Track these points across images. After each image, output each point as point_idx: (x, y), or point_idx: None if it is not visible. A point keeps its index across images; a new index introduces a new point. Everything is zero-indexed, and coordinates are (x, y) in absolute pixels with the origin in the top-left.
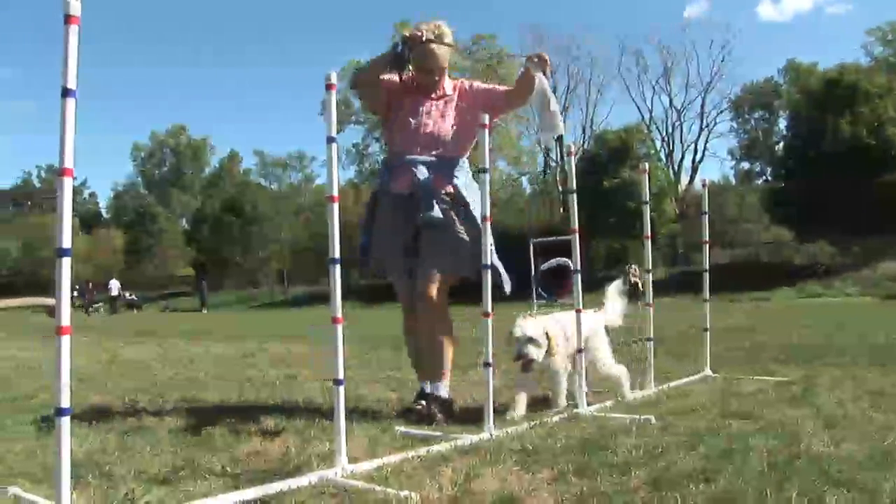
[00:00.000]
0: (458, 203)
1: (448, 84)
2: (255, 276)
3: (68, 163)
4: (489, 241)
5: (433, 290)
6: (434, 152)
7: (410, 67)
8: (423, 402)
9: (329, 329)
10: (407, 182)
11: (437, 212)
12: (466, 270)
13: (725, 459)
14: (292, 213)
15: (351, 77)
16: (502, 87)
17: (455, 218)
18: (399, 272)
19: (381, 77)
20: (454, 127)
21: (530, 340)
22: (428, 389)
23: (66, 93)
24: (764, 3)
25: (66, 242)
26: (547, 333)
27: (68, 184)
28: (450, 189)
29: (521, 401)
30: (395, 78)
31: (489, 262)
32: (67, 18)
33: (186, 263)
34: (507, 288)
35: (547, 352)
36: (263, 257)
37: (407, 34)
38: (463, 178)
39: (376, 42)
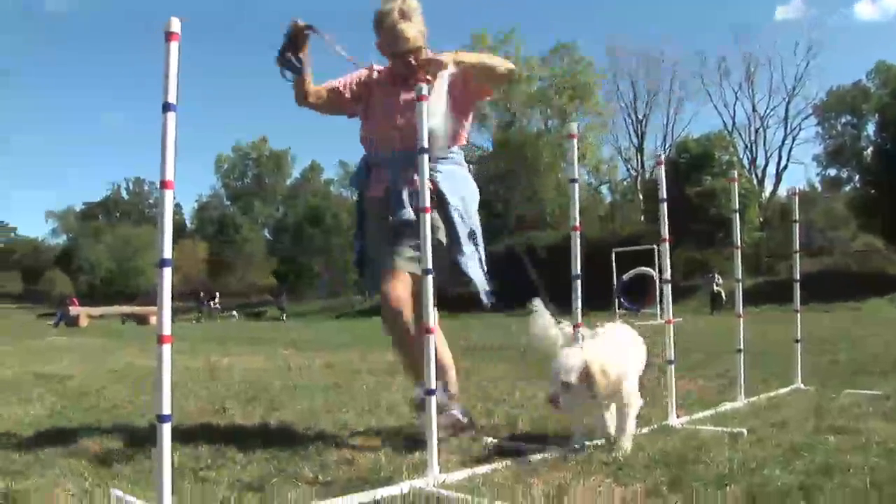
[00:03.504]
0: (437, 200)
1: None
2: (336, 286)
3: (169, 175)
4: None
5: (394, 292)
6: (411, 146)
7: (302, 59)
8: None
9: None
10: (382, 185)
11: (407, 212)
12: (438, 272)
13: (825, 476)
14: None
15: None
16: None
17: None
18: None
19: (350, 79)
20: None
21: (564, 386)
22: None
23: (166, 107)
24: (863, 1)
25: (167, 253)
26: (587, 370)
27: (169, 196)
28: (428, 185)
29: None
30: (365, 71)
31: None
32: (168, 36)
33: (268, 273)
34: (486, 300)
35: (588, 395)
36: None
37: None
38: (445, 172)
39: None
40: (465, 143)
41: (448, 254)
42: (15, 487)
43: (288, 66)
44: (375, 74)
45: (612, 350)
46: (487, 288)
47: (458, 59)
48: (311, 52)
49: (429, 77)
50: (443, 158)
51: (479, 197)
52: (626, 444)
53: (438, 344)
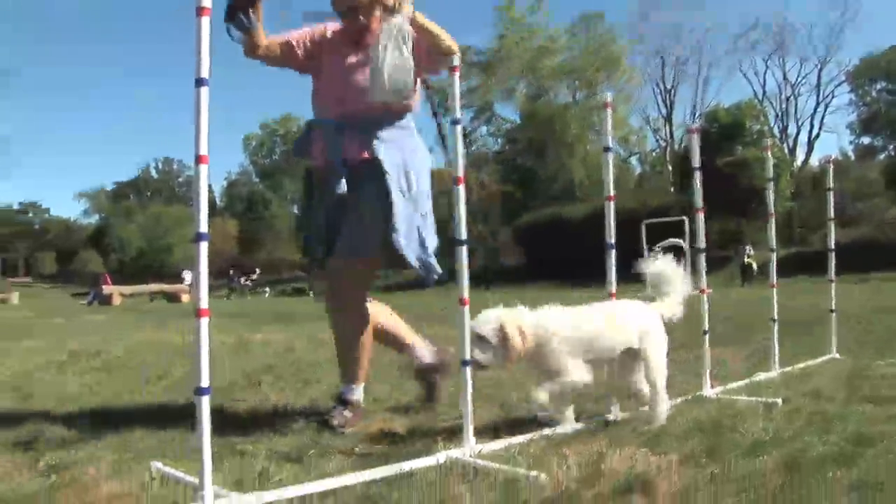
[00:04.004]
0: (373, 172)
1: None
2: None
3: (203, 150)
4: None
5: (334, 279)
6: (356, 111)
7: (252, 18)
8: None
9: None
10: (324, 152)
11: (341, 186)
12: (370, 251)
13: (860, 446)
14: None
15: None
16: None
17: (368, 191)
18: (321, 260)
19: (301, 33)
20: None
21: (478, 339)
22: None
23: (199, 83)
24: None
25: (203, 227)
26: (502, 327)
27: (204, 171)
28: (365, 155)
29: (568, 415)
30: (321, 28)
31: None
32: (200, 11)
33: (297, 249)
34: (427, 279)
35: (504, 353)
36: None
37: None
38: (389, 139)
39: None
40: (415, 110)
41: (383, 231)
42: (57, 461)
43: (236, 23)
44: (329, 34)
45: (549, 316)
46: (432, 264)
47: (413, 17)
48: (264, 8)
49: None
50: (388, 125)
51: (430, 165)
52: (560, 417)
53: (385, 319)
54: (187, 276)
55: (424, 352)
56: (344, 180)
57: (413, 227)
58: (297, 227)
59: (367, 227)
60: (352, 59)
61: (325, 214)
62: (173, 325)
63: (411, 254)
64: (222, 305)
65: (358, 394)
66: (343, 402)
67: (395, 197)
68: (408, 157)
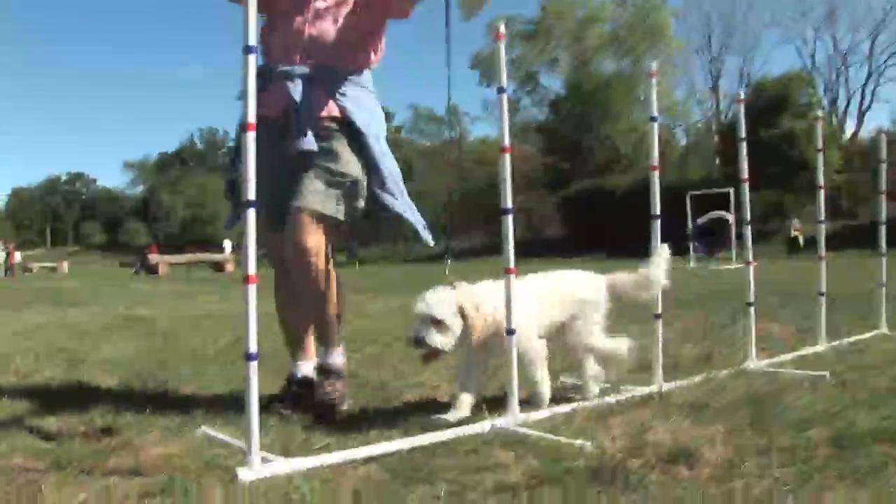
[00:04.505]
0: (346, 129)
1: None
2: (406, 231)
3: (251, 118)
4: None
5: (303, 237)
6: (317, 61)
7: None
8: (300, 385)
9: None
10: (280, 102)
11: (308, 142)
12: (342, 214)
13: None
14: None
15: None
16: None
17: (338, 149)
18: (271, 221)
19: None
20: (347, 26)
21: (433, 322)
22: (304, 368)
23: (247, 50)
24: None
25: (251, 194)
26: (462, 309)
27: (251, 138)
28: (334, 111)
29: (466, 401)
30: None
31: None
32: None
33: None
34: (426, 237)
35: (463, 336)
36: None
37: None
38: (354, 97)
39: None
40: (374, 65)
41: (369, 191)
42: (108, 424)
43: None
44: None
45: (492, 290)
46: (423, 223)
47: None
48: None
49: None
50: (353, 82)
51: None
52: (544, 395)
53: (335, 296)
54: (228, 245)
55: (338, 356)
56: (312, 136)
57: (400, 185)
58: (228, 192)
59: (348, 190)
60: (319, 3)
61: (281, 172)
62: (220, 293)
63: (404, 210)
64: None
65: (341, 358)
66: (326, 371)
67: (378, 155)
68: (376, 119)
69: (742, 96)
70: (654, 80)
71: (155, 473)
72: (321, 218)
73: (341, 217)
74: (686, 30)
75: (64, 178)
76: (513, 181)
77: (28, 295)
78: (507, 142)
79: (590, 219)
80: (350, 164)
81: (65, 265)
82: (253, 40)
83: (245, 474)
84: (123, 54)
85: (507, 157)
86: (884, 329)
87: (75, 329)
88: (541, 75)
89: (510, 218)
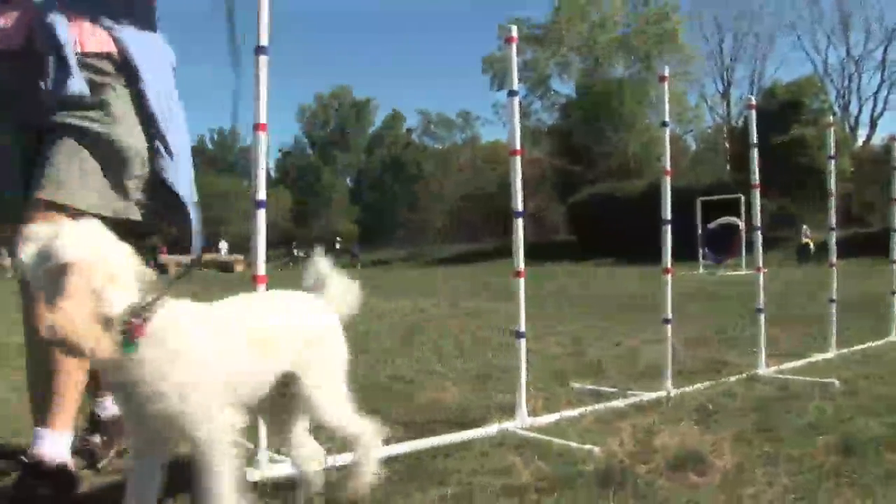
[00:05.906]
0: (125, 73)
1: None
2: (417, 234)
3: (262, 118)
4: None
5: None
6: None
7: None
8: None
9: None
10: (23, 26)
11: (77, 83)
12: (114, 209)
13: None
14: (454, 171)
15: None
16: None
17: (114, 105)
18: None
19: None
20: None
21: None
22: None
23: (259, 50)
24: None
25: (262, 195)
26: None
27: (263, 138)
28: (109, 47)
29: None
30: None
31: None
32: None
33: (350, 221)
34: (197, 245)
35: None
36: (426, 217)
37: None
38: (133, 33)
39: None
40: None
41: (148, 165)
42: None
43: None
44: None
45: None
46: (196, 227)
47: None
48: None
49: None
50: (130, 14)
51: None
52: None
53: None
54: (224, 245)
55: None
56: (80, 78)
57: (187, 160)
58: None
59: (109, 163)
60: None
61: (13, 145)
62: (231, 292)
63: (184, 190)
64: (278, 276)
65: (112, 408)
66: (96, 423)
67: (159, 115)
68: (163, 69)
69: (753, 101)
70: (665, 85)
71: None
72: (77, 216)
73: (109, 213)
74: (696, 36)
75: None
76: (523, 185)
77: None
78: (517, 144)
79: (599, 223)
80: (129, 129)
81: None
82: (265, 41)
83: (252, 474)
84: None
85: (518, 159)
86: (894, 337)
87: None
88: (552, 80)
89: (521, 221)
